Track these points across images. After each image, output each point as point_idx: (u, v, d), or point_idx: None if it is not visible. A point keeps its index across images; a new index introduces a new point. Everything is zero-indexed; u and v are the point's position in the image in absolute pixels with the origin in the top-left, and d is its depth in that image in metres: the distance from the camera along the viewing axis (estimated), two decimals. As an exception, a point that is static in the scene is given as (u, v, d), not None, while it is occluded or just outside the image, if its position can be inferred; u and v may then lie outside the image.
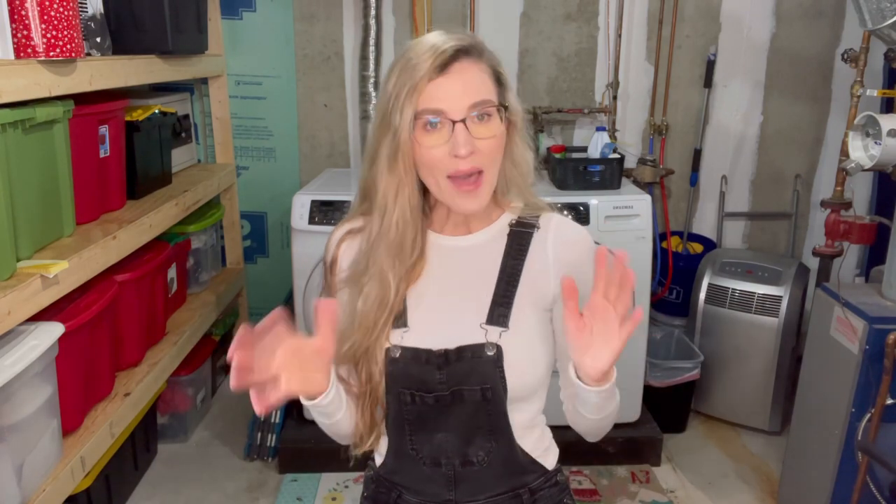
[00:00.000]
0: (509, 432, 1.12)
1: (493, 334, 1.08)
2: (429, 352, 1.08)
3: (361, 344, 1.08)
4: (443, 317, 1.10)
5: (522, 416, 1.13)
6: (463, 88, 1.00)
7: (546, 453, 1.19)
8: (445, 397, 1.08)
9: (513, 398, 1.09)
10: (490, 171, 1.04)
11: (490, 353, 1.07)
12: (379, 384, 1.08)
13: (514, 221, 1.14)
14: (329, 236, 1.17)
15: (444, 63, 1.00)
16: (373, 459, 1.23)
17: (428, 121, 1.00)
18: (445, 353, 1.07)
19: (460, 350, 1.07)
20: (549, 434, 1.22)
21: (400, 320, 1.09)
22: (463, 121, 0.99)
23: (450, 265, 1.12)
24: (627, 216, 2.39)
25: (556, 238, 1.12)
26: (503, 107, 1.05)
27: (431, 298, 1.10)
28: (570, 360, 1.09)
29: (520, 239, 1.13)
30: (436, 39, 1.02)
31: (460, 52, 1.01)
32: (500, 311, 1.09)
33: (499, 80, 1.06)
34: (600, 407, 1.04)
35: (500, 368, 1.07)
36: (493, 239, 1.13)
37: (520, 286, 1.10)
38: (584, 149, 2.70)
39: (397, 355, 1.08)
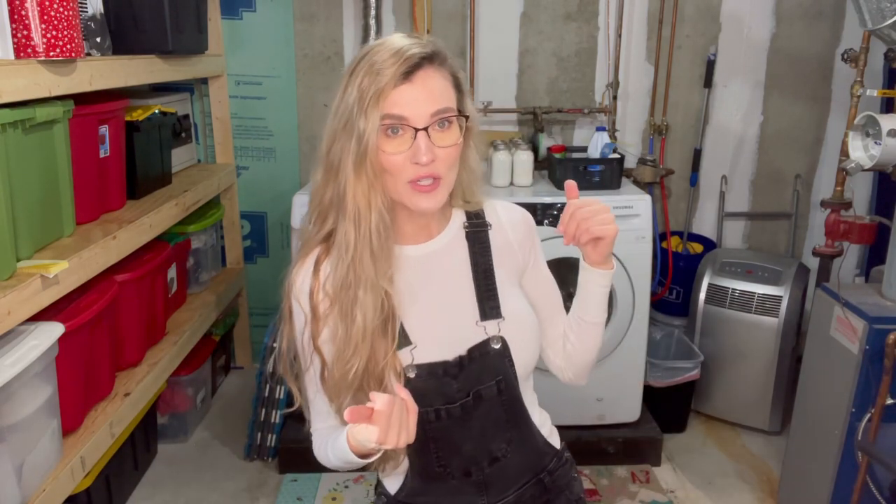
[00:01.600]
0: (525, 415, 1.16)
1: (492, 327, 1.11)
2: (445, 363, 1.08)
3: (368, 361, 1.04)
4: (441, 324, 1.11)
5: (525, 394, 1.17)
6: (426, 96, 1.01)
7: (551, 433, 1.24)
8: (468, 402, 1.09)
9: (520, 378, 1.13)
10: (448, 177, 1.05)
11: (497, 346, 1.10)
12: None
13: (465, 223, 1.17)
14: (290, 275, 1.10)
15: (409, 70, 1.00)
16: (381, 486, 1.21)
17: (390, 126, 1.00)
18: (460, 360, 1.09)
19: (471, 352, 1.09)
20: (546, 414, 1.26)
21: (403, 339, 1.07)
22: (425, 129, 1.00)
23: (423, 273, 1.12)
24: (627, 216, 2.39)
25: (509, 222, 1.19)
26: (464, 116, 1.06)
27: (421, 309, 1.10)
28: (555, 306, 1.23)
29: (479, 238, 1.16)
30: (400, 44, 1.02)
31: (425, 60, 1.01)
32: (489, 304, 1.12)
33: (458, 87, 1.07)
34: (603, 303, 1.15)
35: (509, 357, 1.10)
36: (453, 239, 1.16)
37: (497, 276, 1.14)
38: (584, 149, 2.70)
39: (413, 375, 1.07)
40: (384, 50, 1.01)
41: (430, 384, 1.07)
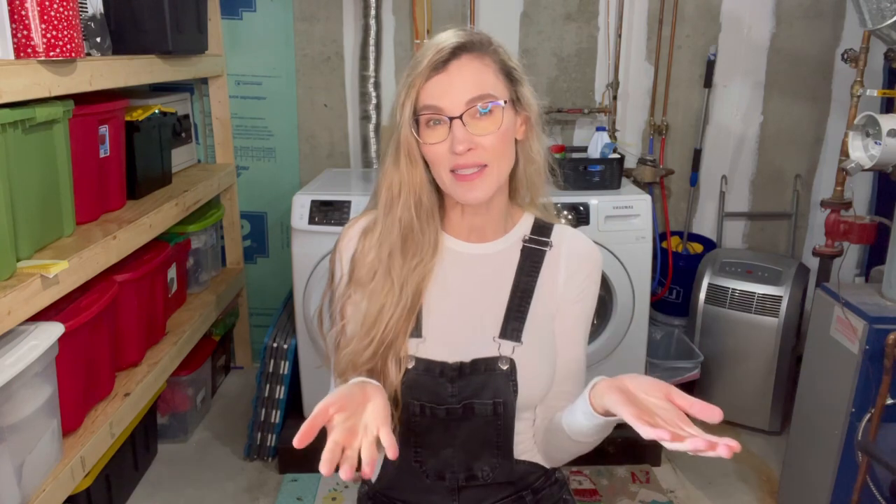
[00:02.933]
0: (511, 445, 1.11)
1: (507, 348, 1.07)
2: (444, 364, 1.07)
3: (379, 344, 1.04)
4: (457, 327, 1.09)
5: (526, 423, 1.13)
6: (461, 85, 1.00)
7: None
8: (456, 410, 1.07)
9: (520, 408, 1.09)
10: (495, 166, 1.03)
11: (504, 368, 1.06)
12: (393, 393, 1.06)
13: (527, 238, 1.13)
14: (343, 233, 1.15)
15: (443, 60, 1.00)
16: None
17: (430, 118, 1.01)
18: (460, 367, 1.06)
19: (474, 363, 1.07)
20: None
21: (415, 330, 1.07)
22: (460, 118, 0.99)
23: (464, 272, 1.11)
24: (627, 216, 2.39)
25: (570, 254, 1.13)
26: (512, 101, 1.04)
27: (445, 306, 1.09)
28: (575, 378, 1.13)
29: (533, 256, 1.12)
30: (441, 37, 1.03)
31: (459, 49, 1.01)
32: (513, 325, 1.08)
33: (510, 76, 1.05)
34: (594, 436, 1.02)
35: (514, 382, 1.06)
36: (507, 249, 1.13)
37: (532, 301, 1.10)
38: (584, 149, 2.70)
39: (411, 366, 1.06)
40: (427, 45, 1.03)
41: (424, 380, 1.06)
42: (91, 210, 1.97)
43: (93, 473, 1.99)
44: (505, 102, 1.02)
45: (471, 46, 1.02)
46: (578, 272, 1.13)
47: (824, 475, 2.00)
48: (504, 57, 1.05)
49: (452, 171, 1.02)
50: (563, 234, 1.15)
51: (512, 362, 1.06)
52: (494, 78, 1.03)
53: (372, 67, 2.84)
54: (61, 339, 1.62)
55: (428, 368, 1.07)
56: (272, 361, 2.49)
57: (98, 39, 1.92)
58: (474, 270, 1.11)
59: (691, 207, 3.12)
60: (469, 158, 1.00)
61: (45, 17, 1.56)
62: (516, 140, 1.08)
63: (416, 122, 1.02)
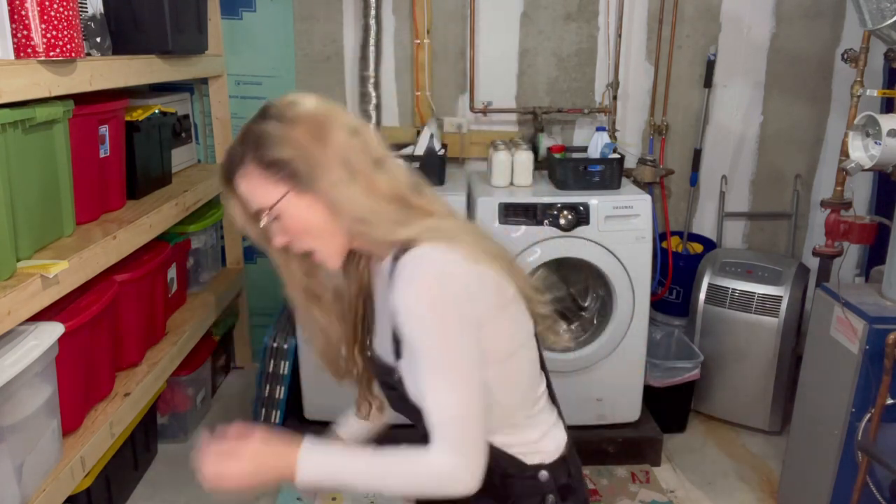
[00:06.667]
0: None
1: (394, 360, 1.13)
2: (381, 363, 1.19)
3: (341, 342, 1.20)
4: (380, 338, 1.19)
5: (501, 438, 1.11)
6: (248, 201, 1.04)
7: (525, 454, 1.14)
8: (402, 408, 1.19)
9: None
10: (319, 248, 1.05)
11: (397, 377, 1.11)
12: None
13: (395, 255, 1.02)
14: None
15: (229, 191, 1.06)
16: None
17: None
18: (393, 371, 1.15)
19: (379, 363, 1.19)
20: (533, 437, 1.15)
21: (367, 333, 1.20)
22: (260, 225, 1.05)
23: (377, 290, 1.18)
24: (627, 216, 2.39)
25: (395, 278, 1.00)
26: (293, 188, 0.98)
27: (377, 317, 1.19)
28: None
29: (392, 274, 1.02)
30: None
31: (225, 179, 1.05)
32: (394, 341, 1.08)
33: (278, 164, 0.98)
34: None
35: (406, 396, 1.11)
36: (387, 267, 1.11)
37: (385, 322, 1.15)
38: (584, 149, 2.70)
39: (370, 354, 1.21)
40: None
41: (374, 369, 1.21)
42: (91, 210, 1.97)
43: (93, 473, 1.99)
44: (271, 208, 1.00)
45: (228, 171, 1.04)
46: (394, 294, 0.99)
47: (824, 475, 2.00)
48: (264, 150, 0.98)
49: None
50: (414, 251, 0.99)
51: (400, 377, 1.12)
52: (262, 183, 1.00)
53: (372, 67, 2.84)
54: (61, 339, 1.63)
55: (376, 367, 1.21)
56: (272, 361, 2.50)
57: (98, 39, 1.92)
58: (377, 288, 1.17)
59: (691, 207, 3.12)
60: (297, 248, 1.06)
61: (45, 17, 1.56)
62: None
63: None
